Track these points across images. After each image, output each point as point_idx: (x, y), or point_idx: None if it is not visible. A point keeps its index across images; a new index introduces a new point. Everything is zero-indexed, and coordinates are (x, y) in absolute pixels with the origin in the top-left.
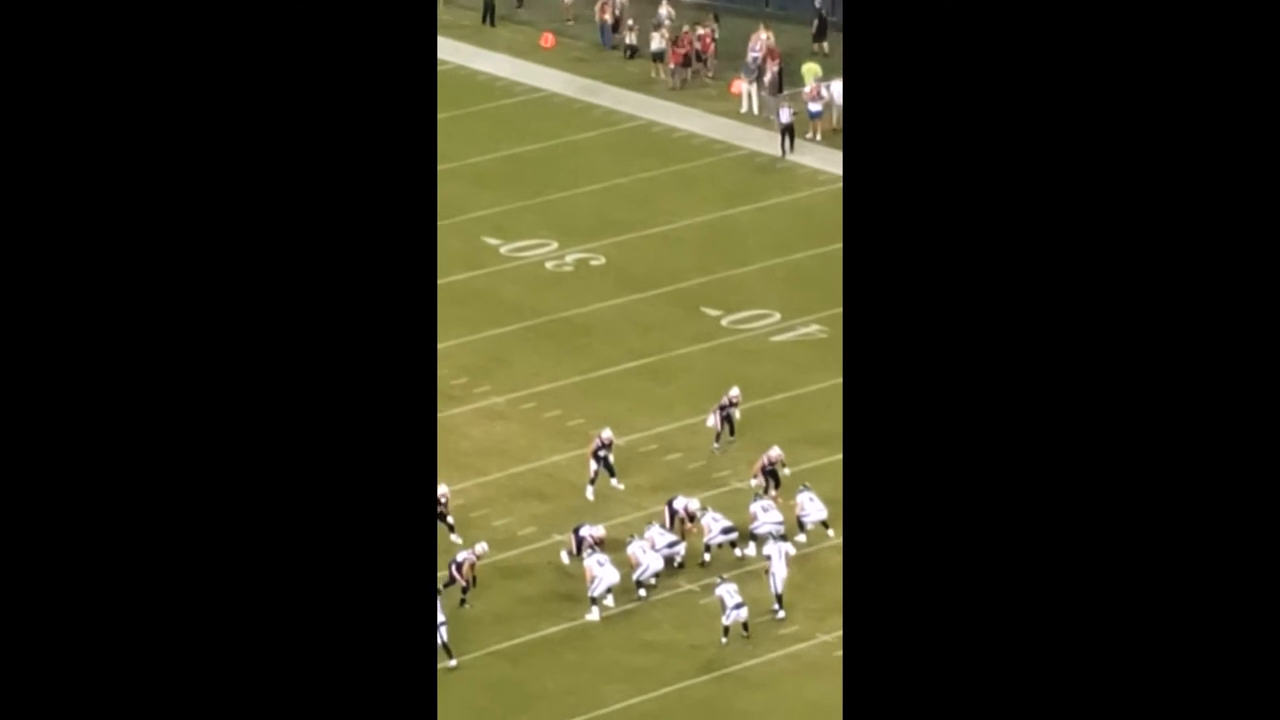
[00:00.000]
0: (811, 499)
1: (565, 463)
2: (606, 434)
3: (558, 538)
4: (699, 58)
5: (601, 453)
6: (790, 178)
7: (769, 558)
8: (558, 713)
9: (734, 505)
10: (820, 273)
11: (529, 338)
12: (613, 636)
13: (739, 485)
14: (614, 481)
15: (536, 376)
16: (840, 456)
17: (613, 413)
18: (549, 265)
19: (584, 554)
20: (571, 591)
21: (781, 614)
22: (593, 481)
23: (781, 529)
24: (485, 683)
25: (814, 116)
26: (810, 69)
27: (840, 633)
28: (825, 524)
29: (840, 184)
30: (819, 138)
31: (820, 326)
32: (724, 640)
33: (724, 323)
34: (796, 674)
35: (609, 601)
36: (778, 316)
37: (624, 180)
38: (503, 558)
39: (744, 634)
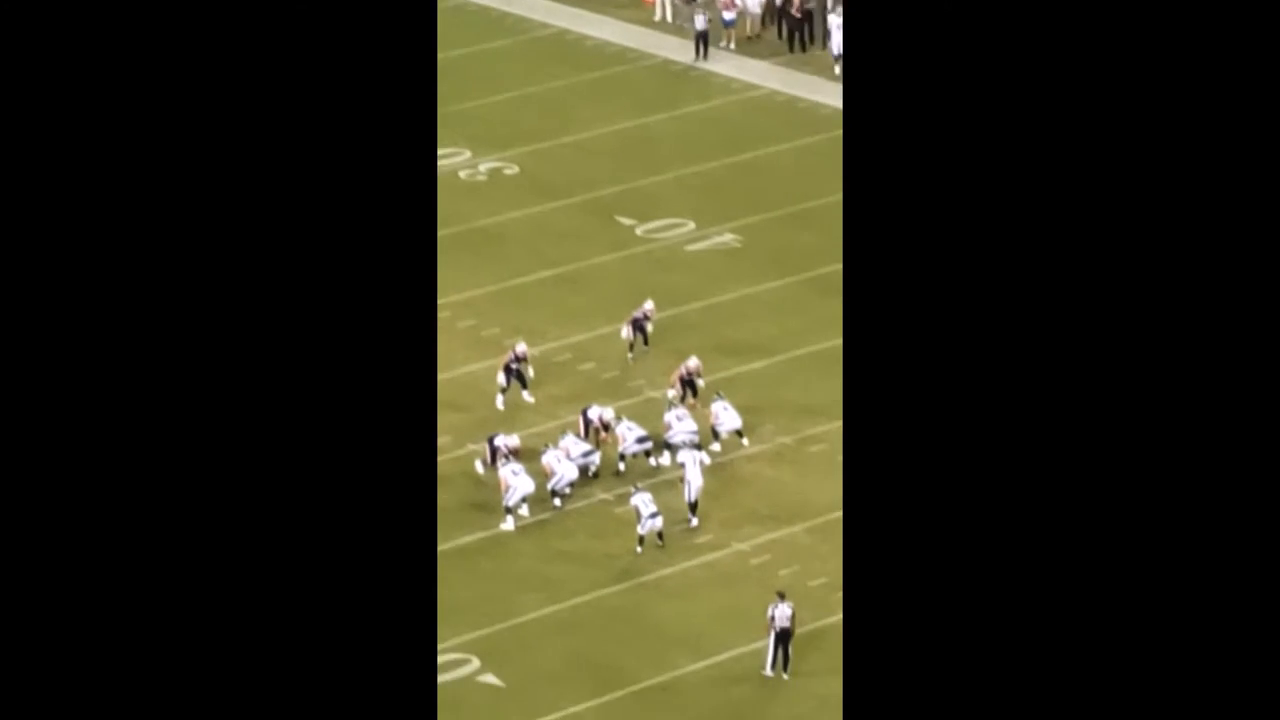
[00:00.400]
0: (726, 408)
1: (480, 372)
2: (521, 347)
3: (472, 447)
4: None
5: (514, 365)
6: (705, 86)
7: (683, 466)
8: (472, 622)
9: (648, 414)
10: (734, 182)
11: (443, 248)
12: (528, 546)
13: (653, 394)
14: (525, 394)
15: (450, 286)
16: (755, 366)
17: (527, 322)
18: (462, 175)
19: (499, 464)
20: (486, 501)
21: (695, 523)
22: (503, 392)
23: (696, 438)
24: None
25: (728, 25)
26: None
27: (755, 542)
28: (739, 433)
29: (754, 92)
30: (733, 46)
31: (734, 235)
32: (639, 549)
33: (638, 231)
34: (711, 583)
35: (524, 511)
36: (692, 225)
37: (537, 89)
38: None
39: (659, 543)
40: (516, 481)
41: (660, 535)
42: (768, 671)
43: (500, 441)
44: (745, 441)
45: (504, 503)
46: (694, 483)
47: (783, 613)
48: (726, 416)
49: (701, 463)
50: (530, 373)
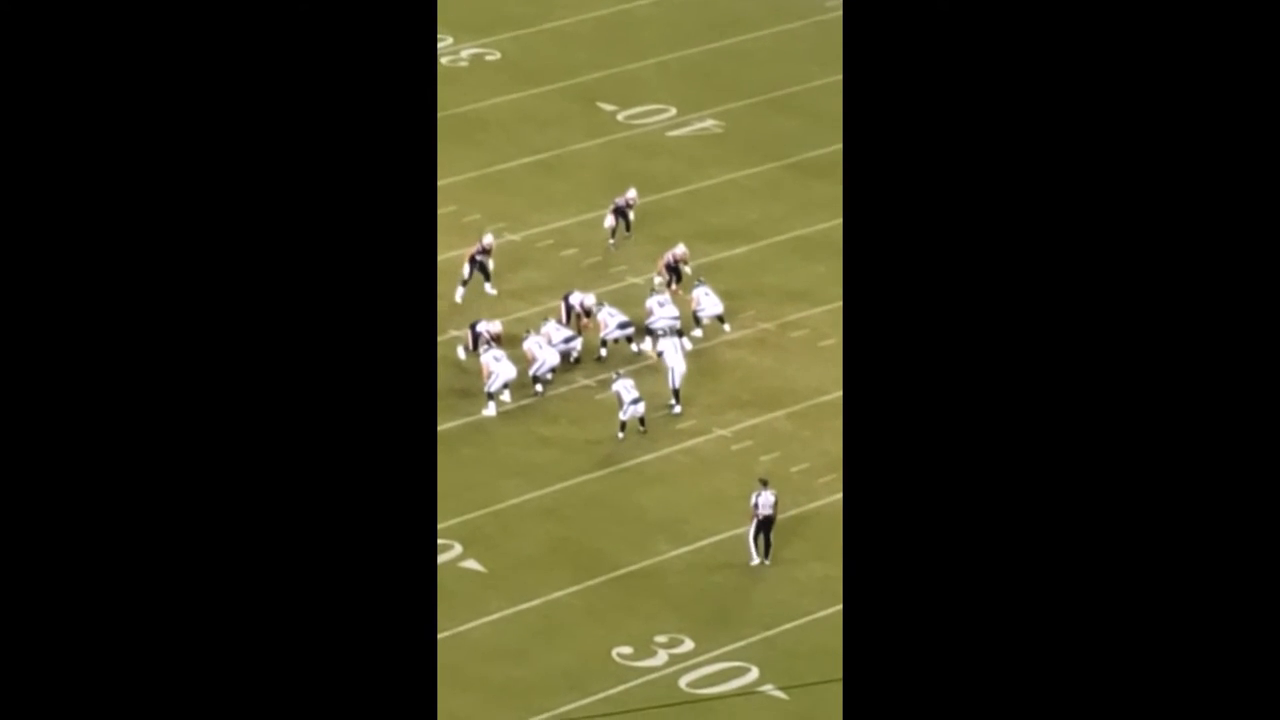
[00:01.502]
0: (707, 293)
1: (460, 259)
2: (488, 239)
3: (454, 333)
4: None
5: (479, 257)
6: None
7: (662, 353)
8: (454, 508)
9: (630, 300)
10: (716, 67)
11: None
12: (510, 432)
13: (635, 280)
14: (487, 286)
15: None
16: (736, 252)
17: (509, 208)
18: (444, 61)
19: (480, 349)
20: (468, 387)
21: (678, 409)
22: (464, 284)
23: (677, 324)
24: None
25: None
26: None
27: (736, 427)
28: (721, 319)
29: None
30: None
31: (716, 121)
32: (620, 435)
33: (620, 117)
34: (693, 469)
35: (505, 397)
36: (674, 111)
37: None
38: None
39: (641, 429)
40: (498, 367)
41: (642, 421)
42: (753, 560)
43: (482, 327)
44: (727, 327)
45: (485, 388)
46: (676, 369)
47: (765, 500)
48: (708, 302)
49: (683, 348)
50: (491, 265)
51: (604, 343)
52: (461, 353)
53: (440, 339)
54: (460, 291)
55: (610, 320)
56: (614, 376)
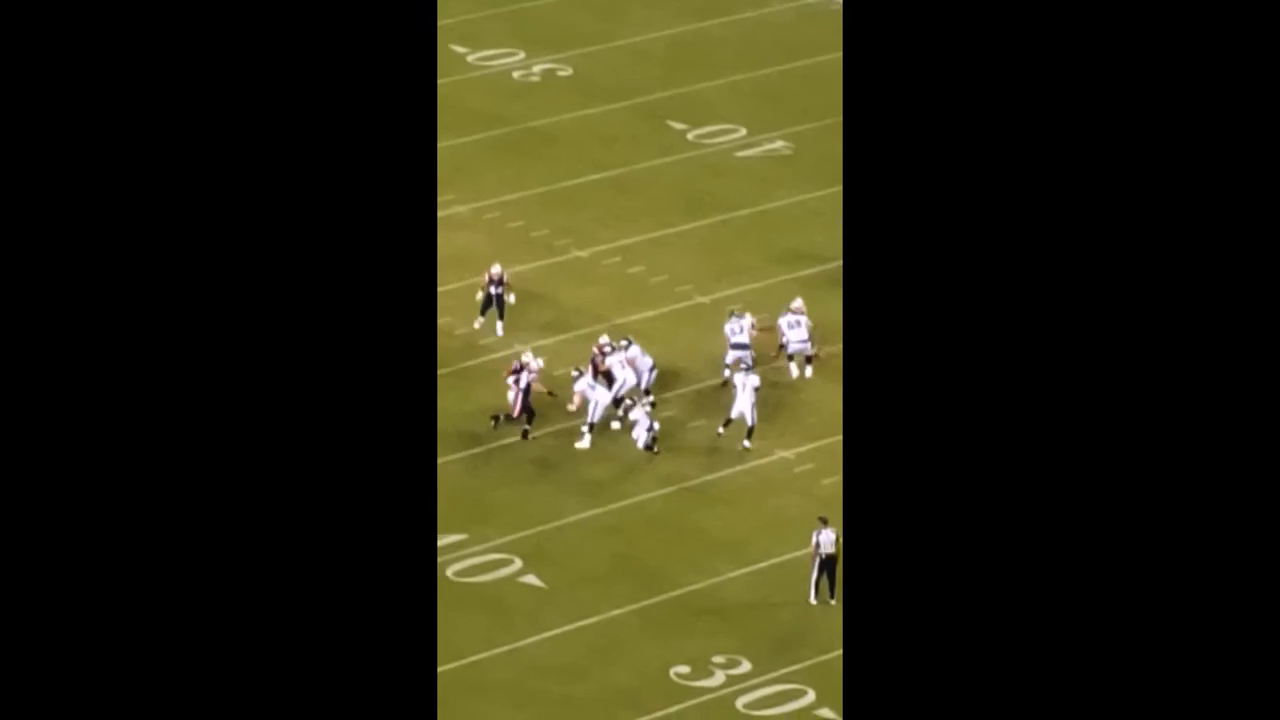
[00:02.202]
0: (794, 324)
1: (529, 273)
2: (496, 269)
3: (518, 347)
4: None
5: (492, 290)
6: None
7: (735, 388)
8: (516, 524)
9: (692, 320)
10: (787, 89)
11: (494, 148)
12: (574, 449)
13: (701, 300)
14: (499, 326)
15: (501, 186)
16: (804, 274)
17: (576, 224)
18: (516, 75)
19: (578, 378)
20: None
21: (748, 445)
22: (482, 314)
23: (750, 359)
24: (444, 493)
25: None
26: None
27: (799, 449)
28: (809, 359)
29: (809, 1)
30: None
31: (785, 143)
32: (584, 438)
33: (689, 137)
34: (755, 490)
35: (614, 424)
36: (743, 132)
37: None
38: (466, 365)
39: (654, 452)
40: (595, 395)
41: (653, 445)
42: (812, 599)
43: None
44: (809, 372)
45: (588, 418)
46: (745, 409)
47: (826, 539)
48: (795, 335)
49: (755, 388)
50: (511, 299)
51: (618, 402)
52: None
53: (505, 352)
54: (479, 321)
55: (632, 377)
56: (629, 403)
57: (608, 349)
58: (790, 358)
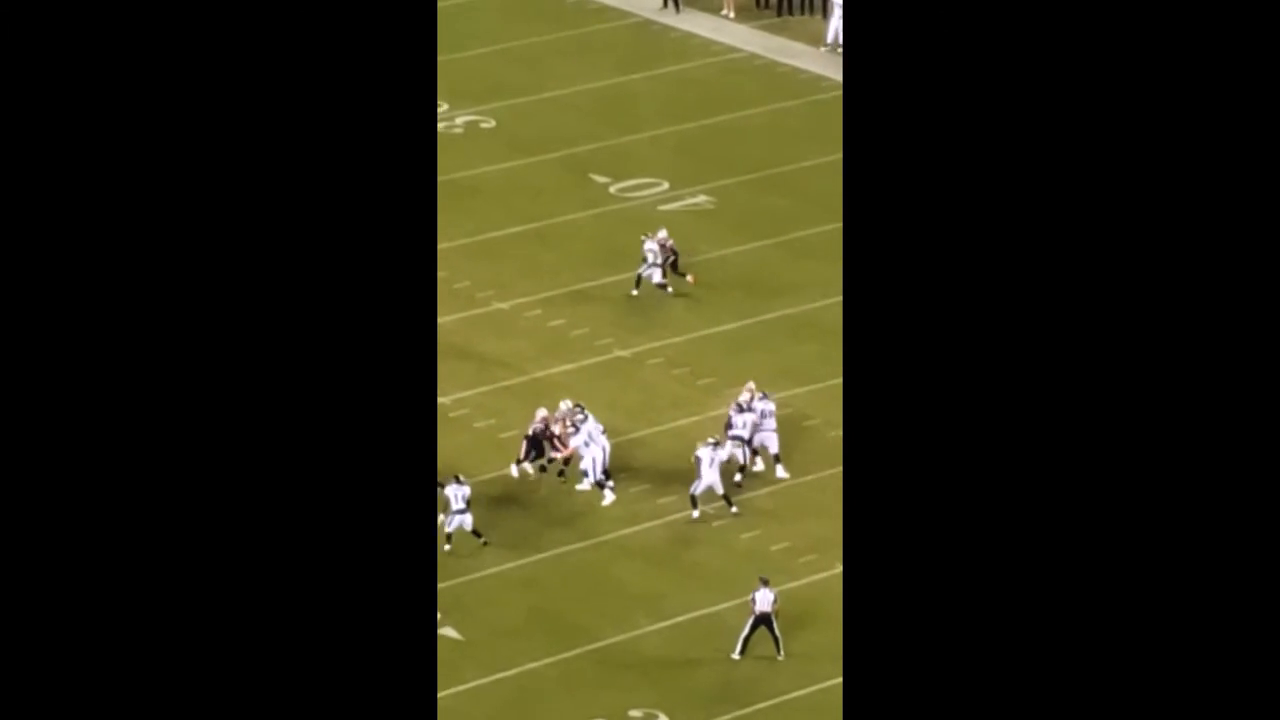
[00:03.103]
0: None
1: (450, 325)
2: (541, 415)
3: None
4: None
5: (539, 433)
6: (684, 47)
7: (698, 461)
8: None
9: (616, 375)
10: (710, 143)
11: None
12: (495, 501)
13: (622, 354)
14: (528, 466)
15: None
16: (725, 328)
17: (498, 276)
18: (440, 127)
19: (560, 437)
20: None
21: (697, 515)
22: (518, 463)
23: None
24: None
25: None
26: None
27: (717, 504)
28: (778, 458)
29: (733, 54)
30: (732, 15)
31: (708, 197)
32: (519, 468)
33: (612, 190)
34: (673, 544)
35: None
36: (666, 185)
37: (517, 43)
38: None
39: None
40: (590, 451)
41: (604, 483)
42: (736, 654)
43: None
44: (780, 472)
45: (593, 478)
46: (713, 482)
47: (764, 598)
48: (766, 435)
49: (723, 461)
50: (552, 453)
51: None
52: (514, 470)
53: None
54: (515, 468)
55: (588, 455)
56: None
57: (580, 418)
58: (754, 451)
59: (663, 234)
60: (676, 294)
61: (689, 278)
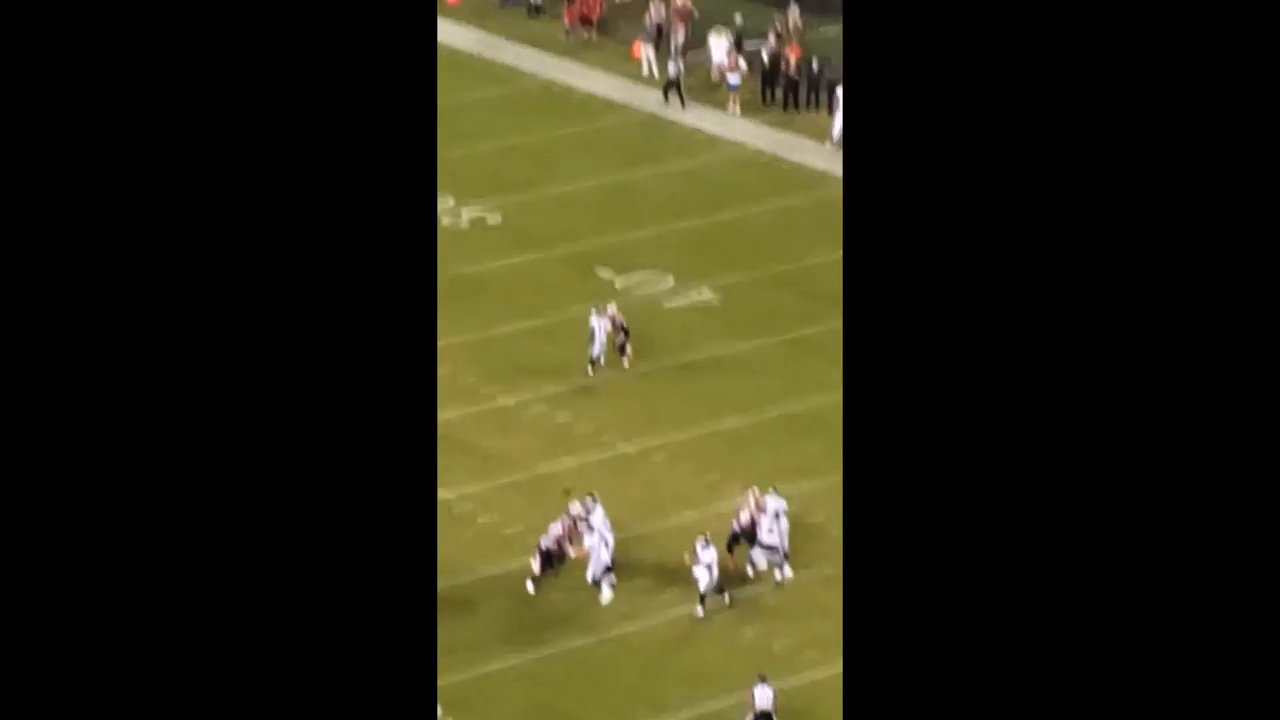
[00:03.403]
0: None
1: (455, 420)
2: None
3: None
4: (584, 21)
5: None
6: (689, 142)
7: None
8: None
9: (622, 469)
10: (715, 239)
11: None
12: (495, 595)
13: (626, 449)
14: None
15: None
16: (729, 425)
17: (504, 371)
18: (445, 221)
19: (573, 538)
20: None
21: (701, 613)
22: (535, 579)
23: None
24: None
25: (732, 89)
26: (718, 41)
27: (722, 600)
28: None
29: (739, 150)
30: (738, 111)
31: (713, 294)
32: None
33: (617, 285)
34: (675, 641)
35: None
36: (671, 281)
37: (523, 139)
38: None
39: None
40: (601, 552)
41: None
42: None
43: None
44: (783, 573)
45: (593, 575)
46: (702, 580)
47: (763, 695)
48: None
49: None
50: (571, 551)
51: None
52: (531, 587)
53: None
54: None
55: (597, 551)
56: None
57: (591, 507)
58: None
59: (612, 309)
60: (681, 392)
61: (625, 363)
